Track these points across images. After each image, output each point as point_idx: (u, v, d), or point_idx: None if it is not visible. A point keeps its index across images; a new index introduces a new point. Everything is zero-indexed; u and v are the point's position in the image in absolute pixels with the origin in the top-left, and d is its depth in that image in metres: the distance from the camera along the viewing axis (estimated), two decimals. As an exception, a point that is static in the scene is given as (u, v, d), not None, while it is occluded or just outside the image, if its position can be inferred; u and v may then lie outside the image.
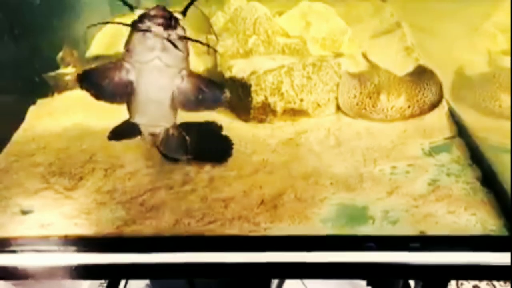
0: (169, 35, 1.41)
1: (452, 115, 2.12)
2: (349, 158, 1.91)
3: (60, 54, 2.65)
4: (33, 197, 1.80)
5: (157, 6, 1.41)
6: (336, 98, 2.23)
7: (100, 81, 1.53)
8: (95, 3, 2.80)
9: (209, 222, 1.63)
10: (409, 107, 2.12)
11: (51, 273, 1.52)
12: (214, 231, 1.59)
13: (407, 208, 1.63)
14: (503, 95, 1.99)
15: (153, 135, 1.68)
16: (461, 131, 2.01)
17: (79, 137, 2.15)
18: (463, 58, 2.24)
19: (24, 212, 1.74)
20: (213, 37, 1.54)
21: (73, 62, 2.63)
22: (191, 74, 1.57)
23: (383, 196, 1.69)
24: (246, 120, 2.21)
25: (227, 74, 2.29)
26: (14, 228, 1.66)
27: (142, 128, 1.67)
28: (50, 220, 1.68)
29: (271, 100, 2.16)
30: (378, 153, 1.92)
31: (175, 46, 1.41)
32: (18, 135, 2.23)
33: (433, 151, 1.92)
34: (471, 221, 1.56)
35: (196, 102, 1.58)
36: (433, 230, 1.54)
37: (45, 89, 2.55)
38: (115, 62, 1.52)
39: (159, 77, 1.51)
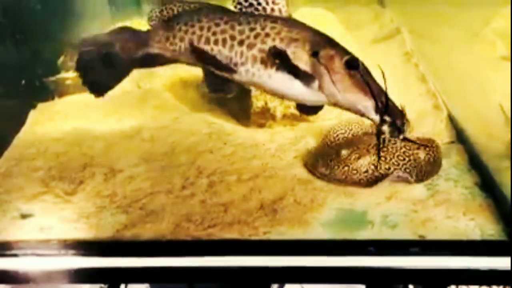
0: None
1: (451, 121, 2.13)
2: (349, 162, 1.91)
3: (61, 58, 2.66)
4: (33, 201, 1.81)
5: (403, 115, 1.39)
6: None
7: None
8: (96, 7, 2.81)
9: (209, 226, 1.63)
10: (365, 172, 1.78)
11: (51, 277, 1.52)
12: (214, 235, 1.60)
13: (406, 213, 1.64)
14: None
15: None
16: (460, 136, 2.02)
17: (79, 141, 2.16)
18: (462, 64, 2.24)
19: (24, 216, 1.74)
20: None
21: (74, 66, 2.64)
22: None
23: (382, 201, 1.70)
24: (246, 125, 2.22)
25: (227, 79, 2.29)
26: (14, 232, 1.67)
27: None
28: (50, 224, 1.68)
29: (271, 105, 2.16)
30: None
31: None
32: (18, 139, 2.24)
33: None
34: (470, 225, 1.57)
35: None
36: (432, 234, 1.54)
37: (46, 93, 2.56)
38: None
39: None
